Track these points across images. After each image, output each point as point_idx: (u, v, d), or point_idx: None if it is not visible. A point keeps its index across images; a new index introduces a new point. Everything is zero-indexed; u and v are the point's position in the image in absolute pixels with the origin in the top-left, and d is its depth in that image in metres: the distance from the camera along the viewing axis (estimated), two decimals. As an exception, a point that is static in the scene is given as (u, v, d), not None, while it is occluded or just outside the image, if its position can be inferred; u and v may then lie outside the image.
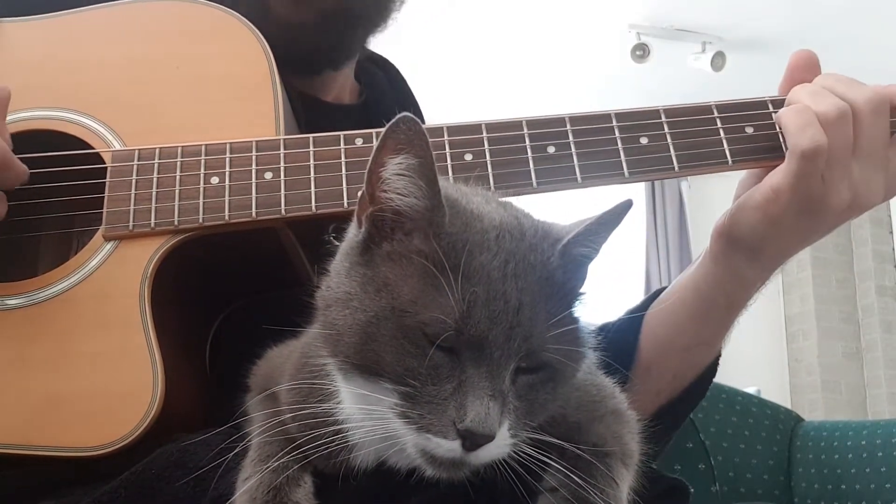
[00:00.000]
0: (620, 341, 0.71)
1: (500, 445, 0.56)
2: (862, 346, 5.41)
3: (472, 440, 0.54)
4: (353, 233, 0.63)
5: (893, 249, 5.51)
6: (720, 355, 0.95)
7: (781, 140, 0.82)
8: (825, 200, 0.78)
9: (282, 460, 0.64)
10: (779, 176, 0.79)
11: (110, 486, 0.70)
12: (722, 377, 0.99)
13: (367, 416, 0.59)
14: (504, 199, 0.67)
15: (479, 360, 0.55)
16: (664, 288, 0.97)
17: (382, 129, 0.58)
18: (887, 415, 5.00)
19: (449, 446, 0.55)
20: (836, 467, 2.40)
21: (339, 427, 0.62)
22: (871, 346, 5.35)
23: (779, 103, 0.85)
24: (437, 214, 0.57)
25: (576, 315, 0.61)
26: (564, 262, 0.59)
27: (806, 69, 0.85)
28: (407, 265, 0.57)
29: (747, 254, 0.84)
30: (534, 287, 0.57)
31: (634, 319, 0.94)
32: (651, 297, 0.97)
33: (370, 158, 0.59)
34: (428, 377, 0.55)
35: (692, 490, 0.75)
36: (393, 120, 0.57)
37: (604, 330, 0.64)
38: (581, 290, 0.62)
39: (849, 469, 2.38)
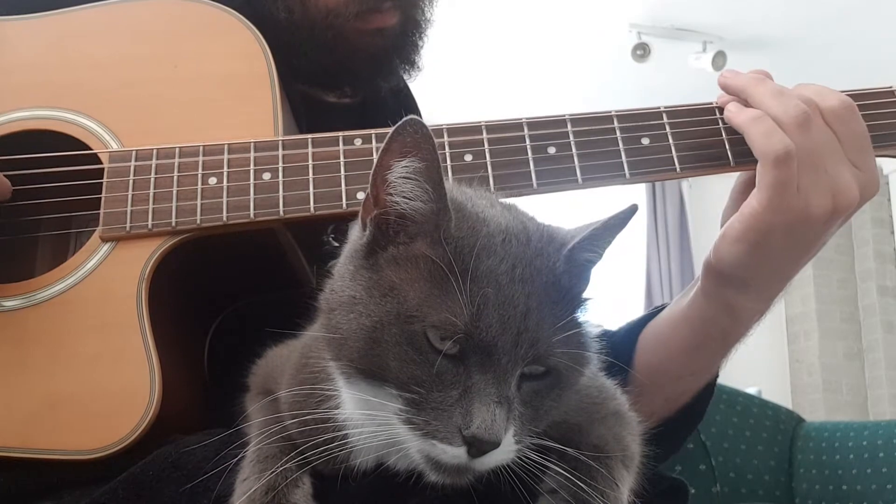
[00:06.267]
0: (616, 359, 0.71)
1: (505, 452, 0.56)
2: (863, 347, 5.39)
3: (478, 447, 0.54)
4: (357, 235, 0.62)
5: (895, 249, 5.49)
6: (717, 378, 0.93)
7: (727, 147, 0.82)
8: (807, 211, 0.74)
9: (281, 462, 0.63)
10: (754, 198, 0.75)
11: (108, 486, 0.69)
12: (723, 378, 0.99)
13: (370, 421, 0.58)
14: (508, 202, 0.67)
15: (485, 366, 0.55)
16: (663, 306, 0.95)
17: (383, 130, 0.57)
18: (889, 415, 4.98)
19: (454, 452, 0.54)
20: (838, 468, 2.40)
21: (339, 432, 0.62)
22: (872, 346, 5.34)
23: None
24: (443, 218, 0.57)
25: (580, 319, 0.61)
26: (570, 266, 0.59)
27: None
28: (413, 269, 0.57)
29: (737, 287, 0.81)
30: (540, 292, 0.57)
31: (630, 337, 0.93)
32: (648, 316, 0.95)
33: (375, 161, 0.58)
34: (433, 383, 0.55)
35: (692, 491, 0.75)
36: (399, 123, 0.57)
37: (604, 340, 0.63)
38: (585, 296, 0.61)
39: (850, 470, 2.38)
